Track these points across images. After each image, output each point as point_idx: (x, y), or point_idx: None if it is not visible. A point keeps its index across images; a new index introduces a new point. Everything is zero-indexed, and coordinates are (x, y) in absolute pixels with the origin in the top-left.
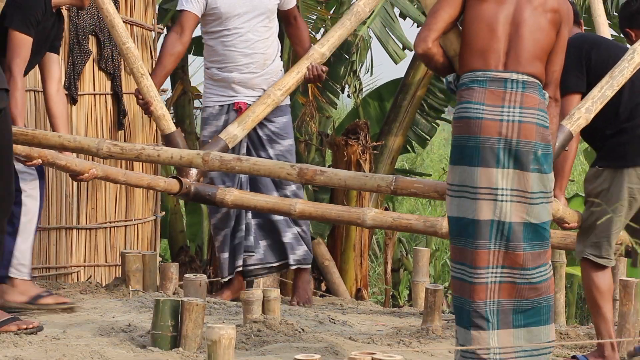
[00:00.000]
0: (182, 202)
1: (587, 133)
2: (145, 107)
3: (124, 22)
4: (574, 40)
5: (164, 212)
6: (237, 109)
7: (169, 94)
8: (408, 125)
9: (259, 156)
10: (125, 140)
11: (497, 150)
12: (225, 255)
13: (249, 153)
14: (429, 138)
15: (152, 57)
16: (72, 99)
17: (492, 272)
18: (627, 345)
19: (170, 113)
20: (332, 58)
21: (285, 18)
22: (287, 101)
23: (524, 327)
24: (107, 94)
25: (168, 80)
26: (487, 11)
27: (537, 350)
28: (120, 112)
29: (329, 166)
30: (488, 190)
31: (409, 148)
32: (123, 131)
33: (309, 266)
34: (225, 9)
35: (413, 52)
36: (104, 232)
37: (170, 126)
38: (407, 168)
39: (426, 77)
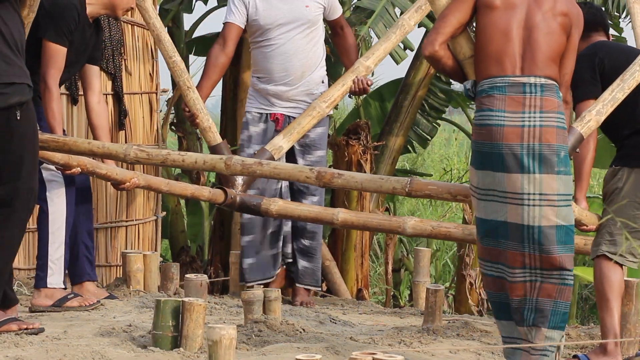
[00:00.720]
0: (182, 202)
1: (609, 132)
2: (192, 119)
3: (124, 22)
4: (589, 48)
5: (164, 212)
6: (274, 120)
7: (170, 94)
8: (409, 125)
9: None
10: (125, 140)
11: (520, 156)
12: (250, 261)
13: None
14: (429, 138)
15: (153, 57)
16: (73, 99)
17: (529, 272)
18: (628, 346)
19: (171, 113)
20: (333, 58)
21: (331, 28)
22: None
23: (556, 329)
24: (108, 94)
25: (169, 81)
26: (499, 17)
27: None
28: (121, 112)
29: (330, 166)
30: (514, 196)
31: (410, 148)
32: (124, 131)
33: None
34: (264, 21)
35: (414, 53)
36: (104, 232)
37: (216, 138)
38: (408, 168)
39: (427, 77)
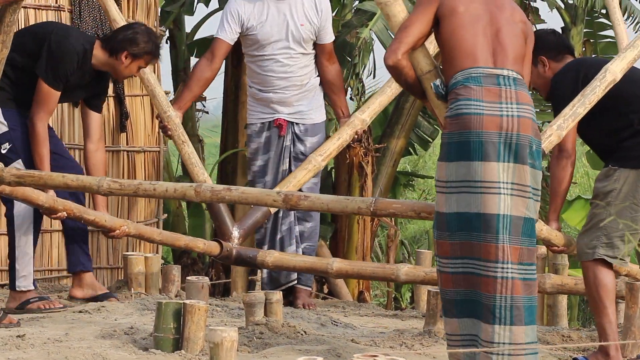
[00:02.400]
0: (184, 205)
1: (600, 139)
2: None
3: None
4: (571, 64)
5: (166, 215)
6: (277, 126)
7: (171, 96)
8: (410, 127)
9: (291, 169)
10: (127, 143)
11: (497, 144)
12: (267, 270)
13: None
14: (431, 140)
15: None
16: (74, 102)
17: (502, 268)
18: (632, 348)
19: None
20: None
21: (318, 53)
22: (322, 118)
23: (529, 324)
24: (110, 96)
25: (170, 83)
26: (466, 20)
27: (533, 349)
28: (122, 115)
29: (331, 169)
30: (491, 184)
31: (411, 150)
32: (125, 133)
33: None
34: (262, 36)
35: None
36: None
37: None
38: (410, 170)
39: None
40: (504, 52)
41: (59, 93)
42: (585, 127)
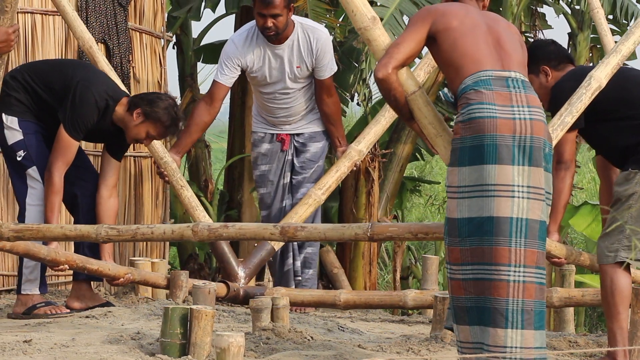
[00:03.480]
0: None
1: (613, 142)
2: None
3: (132, 30)
4: (570, 73)
5: (173, 220)
6: (280, 140)
7: (178, 101)
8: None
9: (292, 180)
10: (134, 148)
11: (512, 147)
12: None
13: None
14: None
15: (161, 65)
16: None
17: (514, 271)
18: (639, 354)
19: None
20: (342, 66)
21: (317, 87)
22: (321, 127)
23: (539, 329)
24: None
25: (177, 87)
26: (464, 32)
27: (541, 354)
28: None
29: None
30: (505, 187)
31: (418, 156)
32: None
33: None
34: (261, 78)
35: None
36: None
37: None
38: (416, 176)
39: (435, 85)
40: (508, 56)
41: (77, 143)
42: (593, 135)
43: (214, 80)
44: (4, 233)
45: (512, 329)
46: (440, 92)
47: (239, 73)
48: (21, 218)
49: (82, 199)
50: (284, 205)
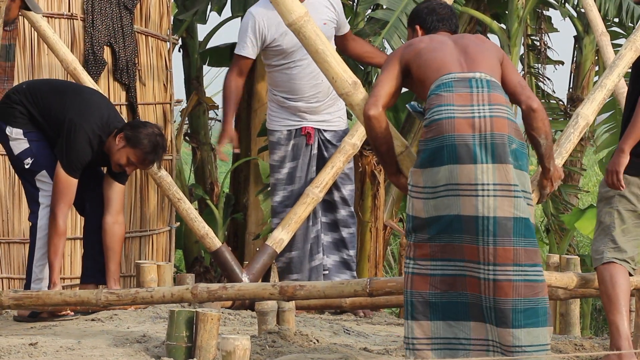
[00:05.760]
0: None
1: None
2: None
3: (138, 33)
4: None
5: (178, 223)
6: (305, 134)
7: (183, 104)
8: None
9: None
10: None
11: (472, 146)
12: (295, 276)
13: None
14: None
15: (166, 68)
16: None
17: (484, 269)
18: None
19: (185, 124)
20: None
21: (344, 41)
22: (345, 125)
23: (523, 327)
24: (122, 104)
25: (183, 90)
26: (431, 47)
27: (536, 351)
28: None
29: None
30: (468, 187)
31: None
32: None
33: None
34: (287, 45)
35: None
36: None
37: (215, 243)
38: None
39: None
40: (472, 60)
41: (76, 181)
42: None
43: (237, 54)
44: (4, 301)
45: (489, 324)
46: (407, 105)
47: (260, 45)
48: (33, 217)
49: (90, 204)
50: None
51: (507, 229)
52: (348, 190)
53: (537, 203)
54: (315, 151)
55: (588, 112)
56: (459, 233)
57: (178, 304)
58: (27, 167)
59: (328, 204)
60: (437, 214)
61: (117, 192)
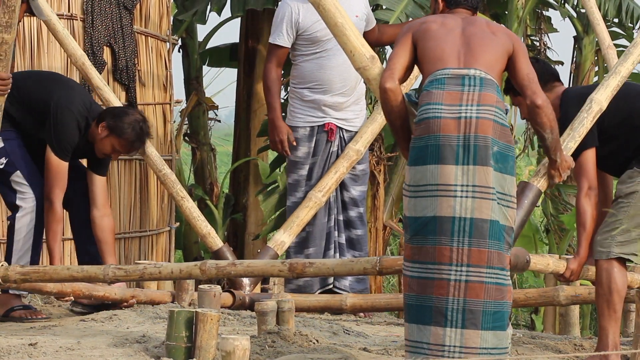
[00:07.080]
0: None
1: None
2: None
3: (138, 33)
4: (578, 95)
5: (178, 223)
6: (328, 130)
7: (183, 104)
8: None
9: (342, 194)
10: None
11: (456, 147)
12: None
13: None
14: None
15: (166, 68)
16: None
17: (455, 270)
18: (638, 357)
19: (184, 124)
20: None
21: (372, 35)
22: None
23: (491, 330)
24: (122, 104)
25: (182, 90)
26: (438, 34)
27: (499, 354)
28: None
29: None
30: (446, 187)
31: None
32: None
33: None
34: (322, 32)
35: None
36: (118, 243)
37: (216, 242)
38: None
39: None
40: (471, 54)
41: (67, 164)
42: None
43: (273, 44)
44: (11, 276)
45: (452, 327)
46: (404, 94)
47: (295, 33)
48: (11, 218)
49: (74, 197)
50: (332, 224)
51: (483, 231)
52: (358, 191)
53: (546, 189)
54: (335, 148)
55: (602, 97)
56: (433, 235)
57: (177, 305)
58: (1, 167)
59: (342, 204)
60: (416, 215)
61: (99, 186)
